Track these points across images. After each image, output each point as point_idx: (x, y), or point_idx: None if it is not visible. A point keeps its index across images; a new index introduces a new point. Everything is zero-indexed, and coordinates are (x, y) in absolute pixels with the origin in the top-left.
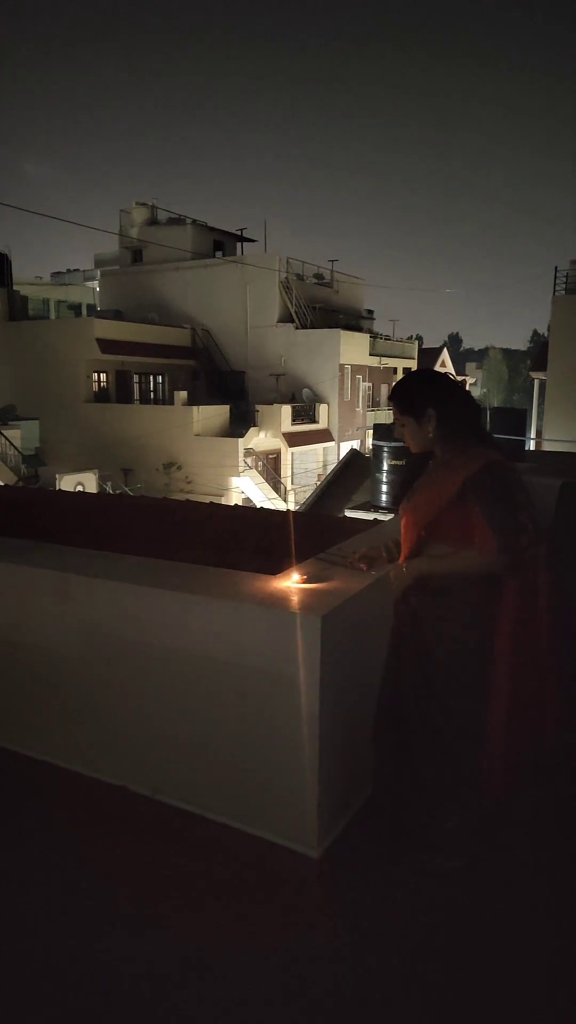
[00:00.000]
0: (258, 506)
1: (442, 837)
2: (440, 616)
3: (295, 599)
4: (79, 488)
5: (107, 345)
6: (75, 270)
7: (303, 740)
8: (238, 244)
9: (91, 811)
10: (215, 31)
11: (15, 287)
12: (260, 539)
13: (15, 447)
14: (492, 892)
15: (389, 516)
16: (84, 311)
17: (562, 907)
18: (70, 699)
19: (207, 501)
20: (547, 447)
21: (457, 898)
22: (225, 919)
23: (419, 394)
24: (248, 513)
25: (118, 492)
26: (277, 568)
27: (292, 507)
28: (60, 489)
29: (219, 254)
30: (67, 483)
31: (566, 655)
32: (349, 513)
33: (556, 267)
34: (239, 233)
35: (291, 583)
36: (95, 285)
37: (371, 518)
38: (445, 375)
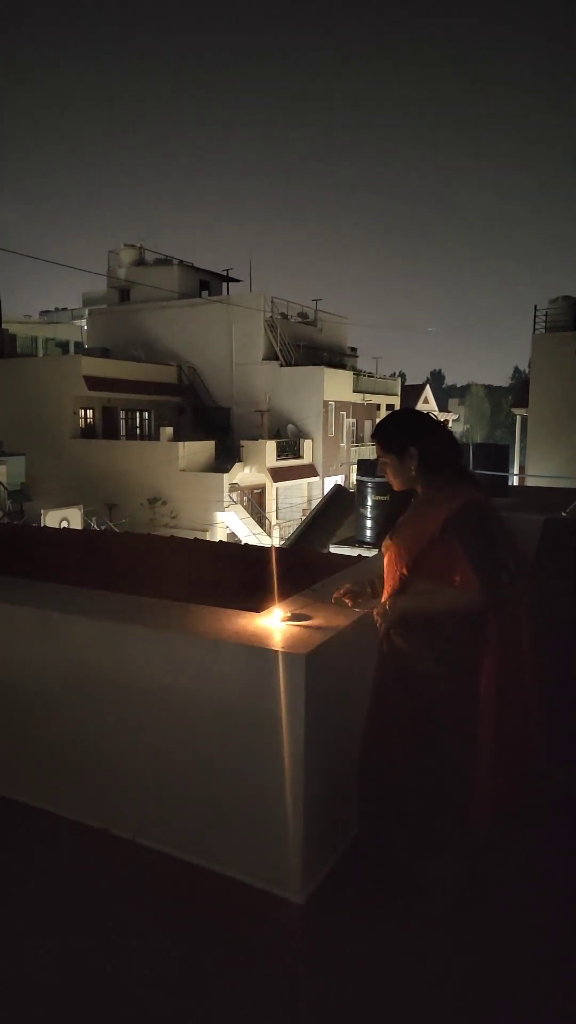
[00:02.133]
0: (243, 541)
1: (429, 879)
2: (423, 653)
3: (279, 637)
4: (64, 523)
5: (94, 382)
6: (63, 309)
7: (287, 781)
8: (224, 284)
9: (70, 855)
10: (202, 72)
11: (4, 325)
12: (244, 575)
13: (1, 483)
14: (480, 936)
15: (373, 551)
16: (72, 349)
17: (555, 950)
18: (49, 738)
19: (191, 536)
20: (530, 482)
21: (444, 943)
22: (206, 967)
23: (401, 432)
24: (232, 549)
25: (103, 527)
26: (261, 605)
27: (277, 542)
28: (44, 525)
29: (205, 294)
30: (52, 518)
31: (549, 690)
32: (334, 548)
33: (536, 306)
34: (225, 274)
35: (275, 620)
36: (83, 323)
37: (355, 554)
38: (427, 414)
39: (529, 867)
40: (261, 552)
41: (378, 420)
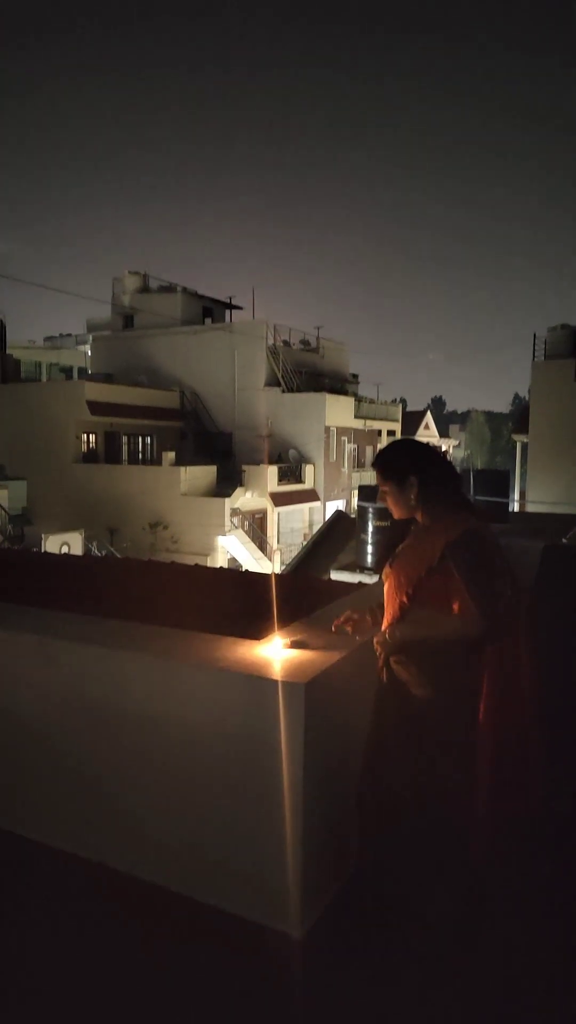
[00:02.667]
0: (244, 565)
1: (431, 912)
2: (423, 682)
3: (279, 665)
4: (64, 548)
5: (97, 407)
6: (68, 334)
7: (286, 811)
8: (227, 311)
9: (65, 887)
10: (206, 102)
11: (8, 350)
12: (244, 602)
13: (2, 507)
14: (484, 971)
15: (374, 577)
16: (75, 374)
17: (560, 984)
18: (45, 767)
19: (192, 561)
20: (530, 508)
21: (447, 978)
22: (203, 1003)
23: (401, 461)
24: (232, 576)
25: (104, 552)
26: (261, 632)
27: (278, 566)
28: (45, 550)
29: (208, 321)
30: (53, 543)
31: (548, 716)
32: (335, 574)
33: (535, 334)
34: (228, 301)
35: (275, 648)
36: (87, 349)
37: (356, 580)
38: (427, 444)
39: (532, 897)
40: (261, 578)
41: (379, 446)
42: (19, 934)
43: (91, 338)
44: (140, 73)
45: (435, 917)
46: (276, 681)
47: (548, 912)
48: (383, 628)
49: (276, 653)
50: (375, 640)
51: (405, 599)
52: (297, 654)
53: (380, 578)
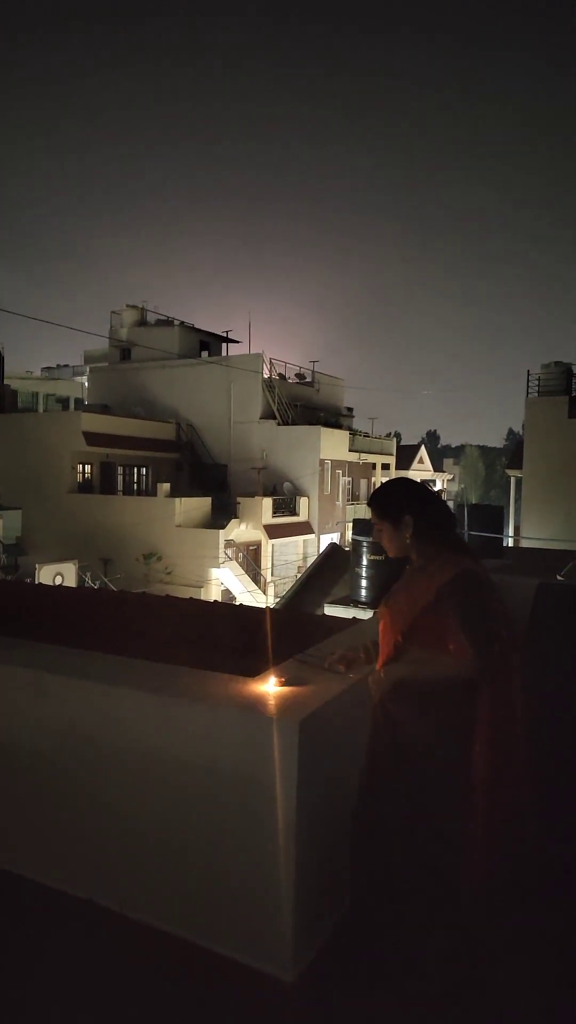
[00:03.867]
0: (238, 597)
1: (423, 957)
2: (417, 722)
3: (272, 703)
4: (58, 578)
5: (93, 438)
6: (65, 365)
7: (279, 850)
8: (223, 345)
9: (52, 925)
10: (201, 134)
11: (6, 381)
12: (238, 637)
13: None
14: (479, 1017)
15: (368, 612)
16: (72, 405)
17: None
18: (37, 803)
19: (186, 593)
20: (524, 544)
21: None
22: None
23: (397, 501)
24: (227, 610)
25: (97, 583)
26: (255, 668)
27: (272, 599)
28: (39, 580)
29: (205, 354)
30: (46, 573)
31: (544, 759)
32: (328, 608)
33: (528, 371)
34: (224, 335)
35: (269, 685)
36: (84, 380)
37: (350, 615)
38: (422, 483)
39: (529, 941)
40: (255, 613)
41: (374, 479)
42: (8, 972)
43: (88, 370)
44: (135, 106)
45: (429, 961)
46: (270, 718)
47: (545, 956)
48: (378, 667)
49: (270, 690)
50: (370, 679)
51: (400, 638)
52: (291, 691)
53: (375, 615)
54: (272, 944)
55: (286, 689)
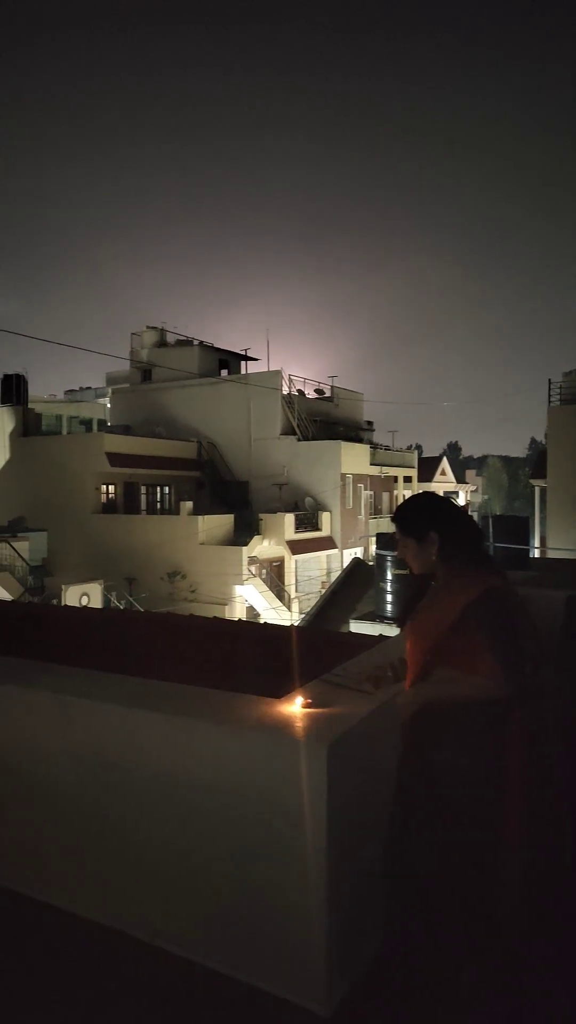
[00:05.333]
0: (262, 614)
1: (461, 991)
2: (447, 744)
3: (300, 725)
4: (84, 599)
5: (116, 458)
6: (87, 388)
7: (309, 879)
8: (242, 363)
9: (83, 957)
10: (218, 157)
11: (29, 404)
12: (263, 657)
13: (23, 558)
14: None
15: (394, 628)
16: (95, 426)
17: None
18: (65, 830)
19: (211, 610)
20: (552, 554)
21: None
22: None
23: (421, 517)
24: (251, 629)
25: (123, 602)
26: (281, 689)
27: (296, 615)
28: (65, 601)
29: (224, 372)
30: (72, 594)
31: None
32: (354, 624)
33: (550, 379)
34: (243, 353)
35: (295, 707)
36: (106, 402)
37: (376, 632)
38: (447, 498)
39: (571, 975)
40: (279, 631)
41: (396, 492)
42: (33, 1004)
43: (110, 391)
44: (154, 126)
45: (468, 995)
46: (297, 741)
47: None
48: (406, 687)
49: (297, 712)
50: (398, 700)
51: (428, 658)
52: (318, 713)
53: (401, 634)
54: (306, 977)
55: (313, 711)
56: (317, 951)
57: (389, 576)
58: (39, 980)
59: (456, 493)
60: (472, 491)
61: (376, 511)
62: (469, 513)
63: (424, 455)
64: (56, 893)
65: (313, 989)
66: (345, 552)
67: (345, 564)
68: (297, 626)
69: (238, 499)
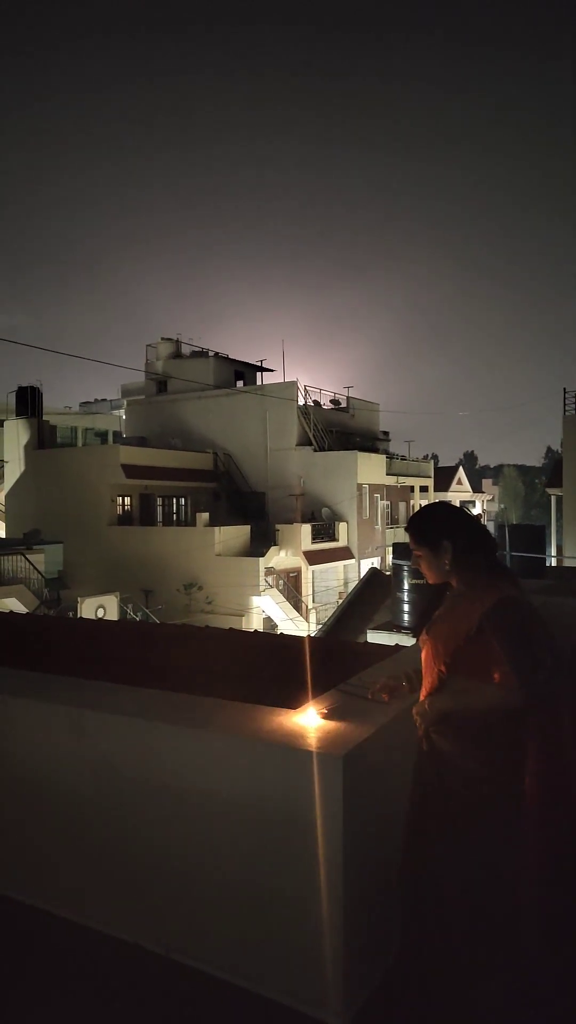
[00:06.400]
0: (279, 625)
1: (477, 1003)
2: (464, 754)
3: (314, 736)
4: (100, 611)
5: (131, 470)
6: (102, 400)
7: (324, 891)
8: (258, 374)
9: (99, 970)
10: (235, 167)
11: (45, 416)
12: (278, 668)
13: (38, 571)
14: None
15: (411, 639)
16: (110, 438)
17: None
18: (80, 843)
19: (227, 622)
20: (568, 563)
21: None
22: None
23: (435, 526)
24: (266, 639)
25: (139, 615)
26: (296, 700)
27: (313, 625)
28: (81, 614)
29: (240, 383)
30: (88, 606)
31: None
32: (371, 634)
33: (565, 388)
34: (259, 364)
35: (310, 718)
36: (121, 413)
37: (393, 642)
38: (461, 508)
39: None
40: (295, 642)
41: (412, 502)
42: (50, 1019)
43: (125, 403)
44: (168, 137)
45: (484, 1007)
46: (312, 752)
47: None
48: (421, 698)
49: (311, 723)
50: (414, 710)
51: (443, 668)
52: (333, 724)
53: (417, 643)
54: (323, 988)
55: (328, 722)
56: (333, 963)
57: (406, 586)
58: (53, 996)
59: (472, 502)
60: (488, 500)
61: (392, 521)
62: (485, 522)
63: (440, 465)
64: (70, 905)
65: (329, 1001)
66: (362, 562)
67: (362, 574)
68: (313, 636)
69: (254, 510)
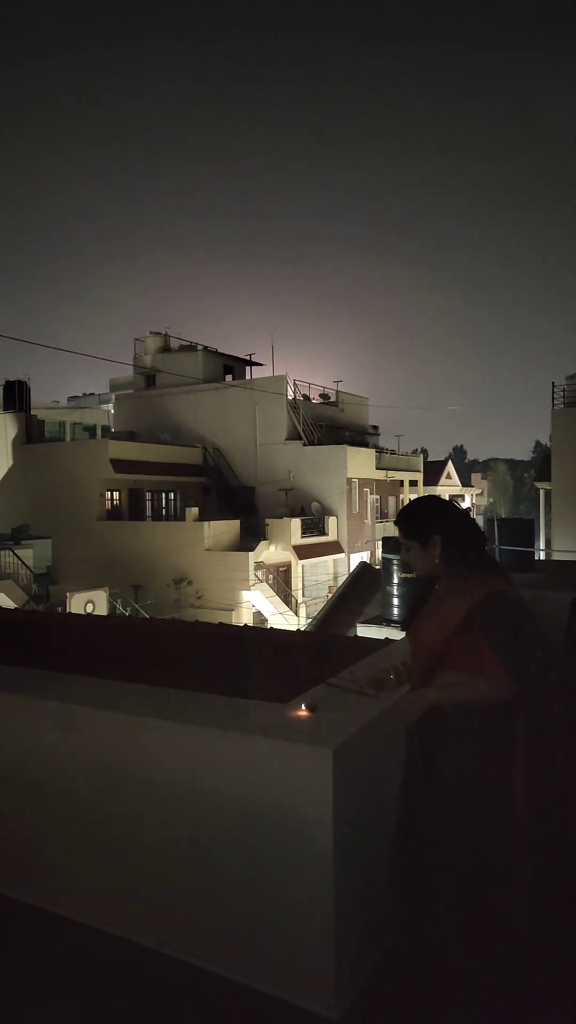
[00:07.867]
0: (269, 619)
1: (469, 994)
2: (452, 747)
3: (305, 730)
4: (89, 606)
5: (120, 465)
6: (91, 394)
7: (317, 884)
8: (247, 368)
9: (91, 965)
10: (223, 164)
11: (32, 411)
12: (268, 662)
13: (27, 566)
14: None
15: (401, 632)
16: (99, 433)
17: None
18: (72, 840)
19: (217, 616)
20: (557, 556)
21: None
22: None
23: (424, 520)
24: (256, 634)
25: (128, 610)
26: (286, 694)
27: (303, 620)
28: (70, 609)
29: (229, 377)
30: (77, 601)
31: None
32: (361, 628)
33: (553, 383)
34: (248, 358)
35: (301, 712)
36: (110, 408)
37: (383, 636)
38: (450, 502)
39: None
40: (285, 636)
41: (402, 496)
42: (41, 1013)
43: (114, 397)
44: (154, 130)
45: (475, 998)
46: (303, 746)
47: None
48: (410, 691)
49: (301, 716)
50: (403, 704)
51: (432, 662)
52: (323, 718)
53: (406, 637)
54: (315, 981)
55: (318, 715)
56: (325, 955)
57: (395, 580)
58: (44, 990)
59: (462, 496)
60: (478, 494)
61: (382, 515)
62: (473, 516)
63: (430, 459)
64: (64, 901)
65: (321, 993)
66: (352, 556)
67: (352, 568)
68: (303, 631)
69: (244, 504)
